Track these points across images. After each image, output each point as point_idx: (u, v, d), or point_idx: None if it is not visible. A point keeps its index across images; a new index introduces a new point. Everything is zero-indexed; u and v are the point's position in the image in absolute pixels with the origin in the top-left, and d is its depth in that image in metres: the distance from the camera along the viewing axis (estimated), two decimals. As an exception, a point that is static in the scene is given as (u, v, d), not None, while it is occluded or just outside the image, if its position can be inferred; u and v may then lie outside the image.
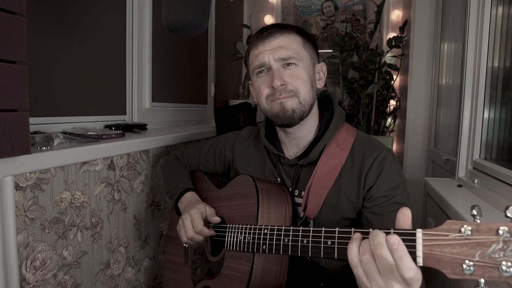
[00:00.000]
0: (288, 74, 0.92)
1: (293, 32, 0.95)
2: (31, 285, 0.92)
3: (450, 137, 1.77)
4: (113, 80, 1.46)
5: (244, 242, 0.89)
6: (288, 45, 0.93)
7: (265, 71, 0.95)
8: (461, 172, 1.47)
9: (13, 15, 0.75)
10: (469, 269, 0.50)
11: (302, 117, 0.94)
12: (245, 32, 2.77)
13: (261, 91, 0.95)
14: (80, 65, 1.28)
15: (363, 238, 0.60)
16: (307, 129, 0.98)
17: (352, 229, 0.65)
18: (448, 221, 0.54)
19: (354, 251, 0.60)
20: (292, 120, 0.93)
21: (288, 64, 0.93)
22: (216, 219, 0.99)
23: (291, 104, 0.92)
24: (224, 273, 0.95)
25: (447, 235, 0.53)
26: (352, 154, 0.95)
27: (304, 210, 0.95)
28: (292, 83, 0.92)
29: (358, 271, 0.59)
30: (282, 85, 0.91)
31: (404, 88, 2.29)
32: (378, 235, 0.56)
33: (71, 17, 1.23)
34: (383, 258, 0.55)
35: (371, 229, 0.59)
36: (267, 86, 0.93)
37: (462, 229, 0.51)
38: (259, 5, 2.80)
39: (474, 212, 0.52)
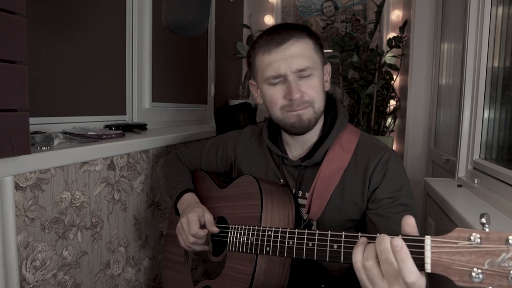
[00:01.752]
0: (305, 85, 0.90)
1: (305, 35, 0.92)
2: (31, 285, 0.92)
3: (450, 137, 1.76)
4: (113, 80, 1.46)
5: (247, 243, 0.88)
6: (303, 52, 0.89)
7: (281, 80, 0.91)
8: (461, 172, 1.47)
9: (13, 15, 0.75)
10: (478, 277, 0.50)
11: (315, 124, 0.94)
12: (245, 32, 2.76)
13: (275, 101, 0.92)
14: (80, 65, 1.27)
15: (368, 243, 0.60)
16: (314, 132, 0.98)
17: (359, 234, 0.65)
18: (457, 228, 0.54)
19: (358, 256, 0.59)
20: (307, 130, 0.94)
21: (305, 75, 0.90)
22: (215, 230, 0.98)
23: (307, 115, 0.91)
24: (225, 274, 0.95)
25: (456, 243, 0.53)
26: (356, 156, 0.94)
27: (308, 212, 0.95)
28: (308, 94, 0.90)
29: (361, 276, 0.59)
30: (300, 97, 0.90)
31: (404, 88, 2.29)
32: (385, 240, 0.56)
33: (71, 17, 1.23)
34: (389, 263, 0.55)
35: (378, 234, 0.59)
36: (282, 96, 0.91)
37: (472, 237, 0.52)
38: (259, 5, 2.80)
39: (483, 220, 0.52)
